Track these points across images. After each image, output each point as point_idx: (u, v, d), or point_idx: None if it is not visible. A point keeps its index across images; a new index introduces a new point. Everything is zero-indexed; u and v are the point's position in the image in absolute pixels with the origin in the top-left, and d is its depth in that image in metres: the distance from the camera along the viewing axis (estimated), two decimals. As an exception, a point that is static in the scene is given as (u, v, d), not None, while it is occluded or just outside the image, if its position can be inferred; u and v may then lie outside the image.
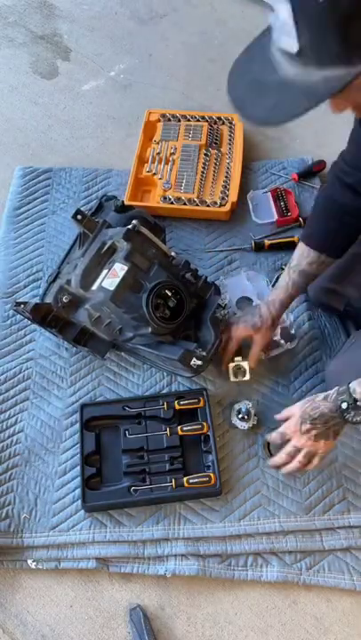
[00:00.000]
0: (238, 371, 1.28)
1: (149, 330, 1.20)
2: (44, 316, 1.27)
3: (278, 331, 1.34)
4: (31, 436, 1.27)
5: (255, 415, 1.25)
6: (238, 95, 0.72)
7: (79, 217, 1.28)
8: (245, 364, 1.27)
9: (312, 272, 1.19)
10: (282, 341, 1.34)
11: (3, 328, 1.42)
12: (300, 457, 1.06)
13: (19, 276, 1.51)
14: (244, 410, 1.24)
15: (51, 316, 1.27)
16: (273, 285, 1.46)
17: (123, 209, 1.38)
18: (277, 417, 1.13)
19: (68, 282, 1.26)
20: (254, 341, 1.26)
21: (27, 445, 1.26)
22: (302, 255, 1.18)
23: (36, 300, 1.41)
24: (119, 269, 1.20)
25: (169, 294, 1.22)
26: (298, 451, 1.06)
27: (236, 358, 1.28)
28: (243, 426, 1.24)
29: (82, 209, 1.30)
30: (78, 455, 1.21)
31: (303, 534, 1.15)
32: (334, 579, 1.11)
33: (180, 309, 1.23)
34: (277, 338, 1.34)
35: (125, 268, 1.19)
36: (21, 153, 1.82)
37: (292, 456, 1.08)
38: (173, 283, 1.23)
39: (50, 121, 1.91)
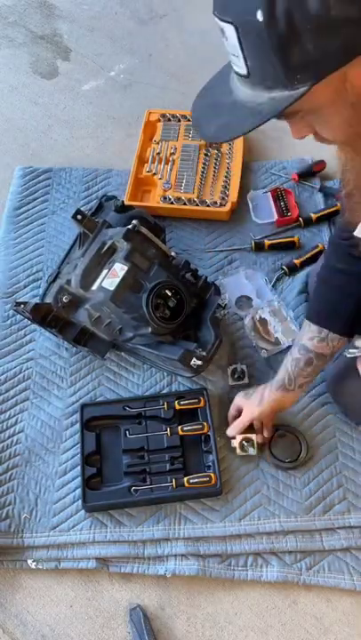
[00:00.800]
0: (247, 444, 1.20)
1: (149, 330, 1.20)
2: (43, 316, 1.27)
3: (280, 328, 1.33)
4: (31, 436, 1.27)
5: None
6: (197, 115, 0.77)
7: (79, 217, 1.28)
8: (255, 437, 1.19)
9: (314, 349, 1.08)
10: (283, 338, 1.34)
11: (3, 328, 1.42)
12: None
13: (19, 276, 1.51)
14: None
15: (51, 316, 1.27)
16: (273, 285, 1.46)
17: (123, 209, 1.38)
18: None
19: (68, 282, 1.26)
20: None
21: (27, 445, 1.26)
22: (303, 330, 1.11)
23: (36, 299, 1.41)
24: (119, 269, 1.20)
25: (169, 294, 1.22)
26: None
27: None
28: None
29: (82, 209, 1.30)
30: (79, 455, 1.21)
31: (303, 534, 1.15)
32: (334, 579, 1.11)
33: (180, 309, 1.24)
34: (278, 335, 1.34)
35: (125, 267, 1.19)
36: (21, 153, 1.82)
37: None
38: (173, 283, 1.23)
39: (50, 121, 1.91)
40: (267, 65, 0.61)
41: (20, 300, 1.32)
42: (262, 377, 1.29)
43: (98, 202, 1.49)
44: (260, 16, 0.57)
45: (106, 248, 1.24)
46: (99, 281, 1.22)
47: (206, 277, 1.33)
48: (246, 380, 1.28)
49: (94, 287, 1.22)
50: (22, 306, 1.25)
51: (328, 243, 1.12)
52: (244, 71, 0.65)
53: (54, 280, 1.38)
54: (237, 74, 0.67)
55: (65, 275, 1.35)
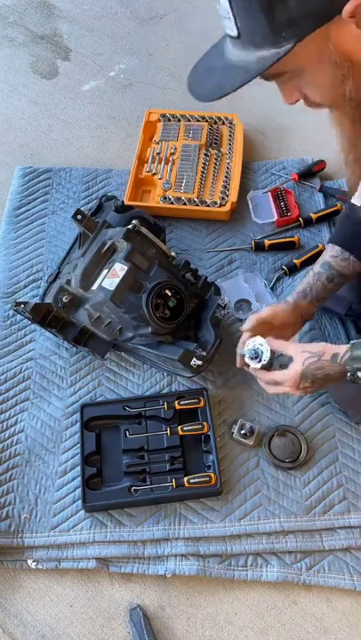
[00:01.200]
0: (252, 352, 1.05)
1: (149, 330, 1.20)
2: (44, 315, 1.27)
3: None
4: (31, 436, 1.27)
5: (257, 434, 1.24)
6: (192, 79, 0.81)
7: (79, 217, 1.28)
8: (265, 342, 1.04)
9: (336, 267, 1.11)
10: None
11: (3, 328, 1.42)
12: (275, 391, 1.03)
13: (19, 276, 1.51)
14: (248, 427, 1.23)
15: (51, 316, 1.27)
16: (271, 287, 1.46)
17: (123, 209, 1.38)
18: (275, 346, 1.04)
19: (68, 282, 1.26)
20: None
21: (27, 445, 1.26)
22: (326, 251, 1.14)
23: (36, 300, 1.41)
24: (119, 269, 1.20)
25: (169, 294, 1.22)
26: (280, 388, 1.02)
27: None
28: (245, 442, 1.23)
29: (82, 209, 1.30)
30: (79, 455, 1.21)
31: (303, 534, 1.15)
32: (334, 579, 1.11)
33: (180, 309, 1.24)
34: None
35: (125, 268, 1.19)
36: (21, 153, 1.82)
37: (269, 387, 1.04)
38: (173, 283, 1.23)
39: (50, 121, 1.91)
40: (255, 24, 0.67)
41: (20, 300, 1.32)
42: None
43: (98, 202, 1.49)
44: None
45: (106, 248, 1.24)
46: (99, 281, 1.22)
47: (206, 277, 1.33)
48: (250, 443, 1.23)
49: (94, 287, 1.22)
50: (22, 306, 1.26)
51: None
52: (234, 32, 0.70)
53: (54, 280, 1.38)
54: (229, 36, 0.72)
55: (65, 275, 1.35)
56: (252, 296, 1.44)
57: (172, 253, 1.31)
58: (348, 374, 0.91)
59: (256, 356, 1.04)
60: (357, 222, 1.10)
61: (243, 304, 1.43)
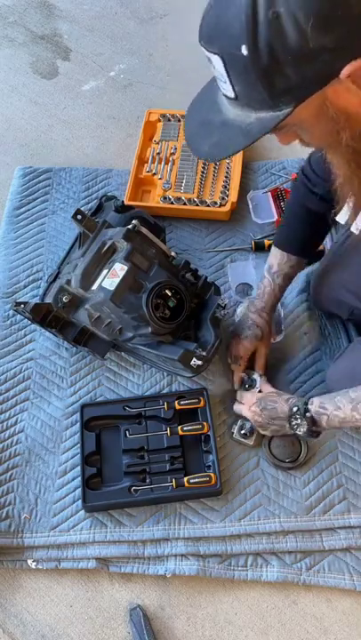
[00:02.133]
0: (249, 381, 1.27)
1: (149, 330, 1.20)
2: (44, 315, 1.27)
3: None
4: (31, 436, 1.27)
5: (257, 434, 1.24)
6: (190, 133, 0.82)
7: (79, 217, 1.28)
8: (256, 375, 1.27)
9: (293, 274, 1.27)
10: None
11: (3, 328, 1.42)
12: (237, 407, 1.25)
13: (19, 276, 1.51)
14: (248, 427, 1.23)
15: (51, 316, 1.27)
16: None
17: (123, 209, 1.38)
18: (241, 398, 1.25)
19: (68, 282, 1.26)
20: (259, 352, 1.29)
21: (27, 445, 1.26)
22: (282, 261, 1.24)
23: (36, 300, 1.41)
24: (119, 269, 1.20)
25: (169, 294, 1.22)
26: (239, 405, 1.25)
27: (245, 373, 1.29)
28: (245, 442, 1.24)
29: (82, 209, 1.30)
30: (79, 455, 1.21)
31: (303, 534, 1.15)
32: (334, 579, 1.11)
33: (180, 309, 1.23)
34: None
35: (125, 267, 1.19)
36: (21, 153, 1.82)
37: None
38: (173, 283, 1.23)
39: (50, 121, 1.91)
40: (253, 91, 0.67)
41: (20, 300, 1.32)
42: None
43: (98, 202, 1.49)
44: (244, 50, 0.63)
45: (106, 248, 1.24)
46: (99, 281, 1.22)
47: (206, 277, 1.33)
48: (250, 443, 1.27)
49: (94, 287, 1.22)
50: (22, 306, 1.26)
51: (298, 178, 1.19)
52: (231, 94, 0.71)
53: (54, 280, 1.38)
54: (225, 96, 0.72)
55: (65, 275, 1.35)
56: (255, 282, 1.44)
57: (172, 253, 1.31)
58: (288, 412, 1.09)
59: (251, 384, 1.26)
60: (306, 222, 1.20)
61: (244, 287, 1.44)
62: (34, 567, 1.13)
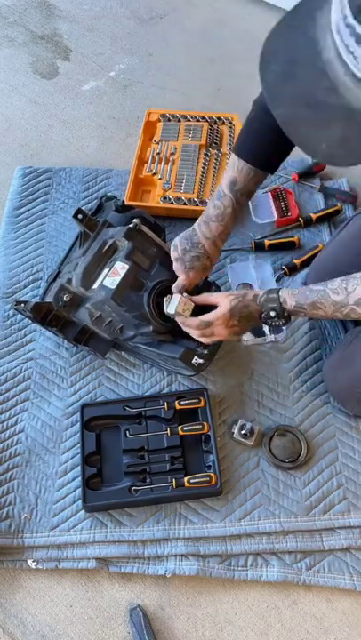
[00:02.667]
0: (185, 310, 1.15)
1: (150, 328, 1.20)
2: (44, 315, 1.27)
3: None
4: (31, 436, 1.27)
5: (257, 434, 1.24)
6: (285, 112, 0.59)
7: (80, 216, 1.28)
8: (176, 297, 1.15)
9: (254, 192, 1.12)
10: (267, 332, 1.33)
11: (3, 328, 1.42)
12: (206, 339, 1.12)
13: (19, 276, 1.51)
14: (248, 427, 1.23)
15: (51, 316, 1.27)
16: (276, 280, 1.46)
17: (123, 209, 1.38)
18: (197, 300, 1.14)
19: (69, 281, 1.27)
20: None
21: (27, 445, 1.26)
22: (249, 176, 1.06)
23: (37, 299, 1.41)
24: (120, 268, 1.20)
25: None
26: (210, 330, 1.09)
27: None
28: (245, 442, 1.24)
29: (82, 208, 1.30)
30: (79, 455, 1.21)
31: (303, 534, 1.15)
32: (334, 579, 1.11)
33: None
34: (266, 328, 1.32)
35: (126, 266, 1.19)
36: (21, 153, 1.82)
37: (201, 333, 1.10)
38: (175, 281, 1.23)
39: (50, 121, 1.91)
40: None
41: (21, 300, 1.32)
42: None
43: (98, 202, 1.49)
44: None
45: (107, 247, 1.24)
46: (100, 280, 1.22)
47: (207, 277, 1.33)
48: (250, 443, 1.25)
49: (95, 286, 1.22)
50: (23, 305, 1.26)
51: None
52: None
53: (54, 279, 1.38)
54: (354, 75, 0.50)
55: (65, 274, 1.35)
56: (257, 282, 1.44)
57: None
58: (263, 314, 1.04)
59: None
60: (270, 129, 0.95)
61: (245, 287, 1.44)
62: (34, 567, 1.13)
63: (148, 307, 1.19)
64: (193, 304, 1.14)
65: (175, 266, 1.18)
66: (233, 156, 1.07)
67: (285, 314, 1.02)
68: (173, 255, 1.17)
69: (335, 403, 1.28)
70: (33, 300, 1.35)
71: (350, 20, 0.48)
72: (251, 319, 1.07)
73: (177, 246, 1.16)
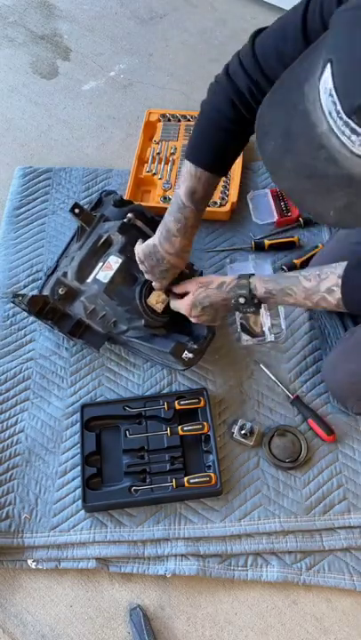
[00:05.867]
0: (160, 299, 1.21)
1: (142, 323, 1.21)
2: (40, 307, 1.27)
3: (268, 320, 1.33)
4: (31, 436, 1.27)
5: (257, 434, 1.24)
6: (291, 186, 0.61)
7: (77, 210, 1.29)
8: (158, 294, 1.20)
9: (210, 198, 1.07)
10: (267, 332, 1.33)
11: (3, 328, 1.42)
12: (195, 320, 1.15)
13: (19, 275, 1.51)
14: (248, 427, 1.23)
15: (47, 308, 1.28)
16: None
17: (121, 203, 1.39)
18: (175, 290, 1.18)
19: (65, 274, 1.27)
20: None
21: (27, 445, 1.26)
22: (209, 184, 1.03)
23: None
24: (113, 262, 1.21)
25: None
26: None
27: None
28: (245, 442, 1.24)
29: (79, 203, 1.31)
30: (79, 455, 1.21)
31: (303, 534, 1.15)
32: (334, 579, 1.11)
33: None
34: (265, 328, 1.32)
35: (120, 260, 1.20)
36: (21, 153, 1.82)
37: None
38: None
39: (50, 121, 1.91)
40: None
41: (18, 293, 1.33)
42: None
43: (98, 196, 1.50)
44: None
45: (102, 241, 1.25)
46: (94, 273, 1.23)
47: (202, 272, 1.33)
48: (250, 443, 1.25)
49: (89, 280, 1.24)
50: (20, 298, 1.26)
51: (220, 78, 0.96)
52: None
53: (52, 273, 1.39)
54: (353, 152, 0.51)
55: (62, 268, 1.36)
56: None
57: None
58: (233, 301, 1.03)
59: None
60: (222, 129, 0.98)
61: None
62: (34, 567, 1.13)
63: (139, 300, 1.19)
64: (165, 296, 1.20)
65: (146, 276, 1.17)
66: (187, 163, 1.01)
67: (255, 300, 1.02)
68: (141, 268, 1.16)
69: (335, 403, 1.28)
70: (30, 293, 1.36)
71: (343, 116, 0.49)
72: (215, 308, 1.08)
73: (143, 262, 1.14)
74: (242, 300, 1.02)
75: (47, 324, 1.33)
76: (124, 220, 1.24)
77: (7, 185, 1.71)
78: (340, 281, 0.92)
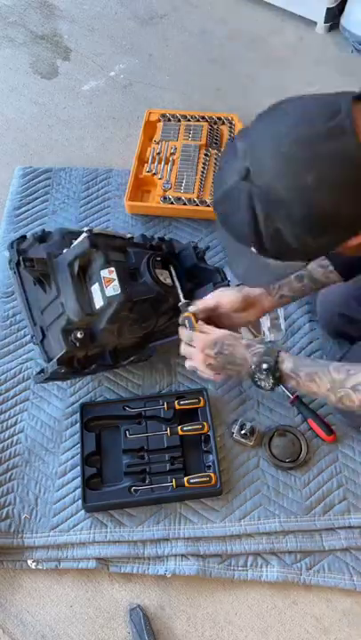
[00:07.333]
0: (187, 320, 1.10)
1: (171, 303, 1.21)
2: (70, 364, 1.17)
3: (267, 320, 1.32)
4: (31, 437, 1.27)
5: (257, 434, 1.24)
6: (246, 275, 0.89)
7: (28, 264, 1.18)
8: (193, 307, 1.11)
9: (310, 270, 1.08)
10: (267, 332, 1.32)
11: (3, 328, 1.42)
12: (187, 361, 1.08)
13: (19, 276, 1.51)
14: (248, 427, 1.23)
15: (76, 361, 1.18)
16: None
17: (43, 237, 1.29)
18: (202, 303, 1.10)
19: (69, 321, 1.17)
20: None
21: (27, 446, 1.26)
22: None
23: (39, 369, 1.29)
24: (109, 274, 1.16)
25: (160, 263, 1.26)
26: (189, 350, 1.06)
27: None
28: (245, 442, 1.24)
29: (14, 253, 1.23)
30: (79, 455, 1.21)
31: (303, 534, 1.15)
32: (334, 579, 1.11)
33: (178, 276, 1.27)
34: (265, 329, 1.32)
35: (112, 269, 1.16)
36: (21, 153, 1.82)
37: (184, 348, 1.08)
38: (157, 253, 1.26)
39: (50, 121, 1.91)
40: (269, 257, 0.80)
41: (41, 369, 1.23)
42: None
43: (13, 253, 1.27)
44: (253, 249, 0.78)
45: (77, 268, 1.17)
46: (98, 297, 1.16)
47: (171, 240, 1.36)
48: (250, 443, 1.24)
49: (98, 305, 1.15)
50: (48, 373, 1.17)
51: None
52: (269, 260, 0.81)
53: (43, 338, 1.23)
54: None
55: (53, 324, 1.21)
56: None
57: (128, 234, 1.30)
58: (253, 366, 0.98)
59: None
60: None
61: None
62: (34, 567, 1.13)
63: (156, 284, 1.20)
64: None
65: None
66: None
67: (277, 374, 0.96)
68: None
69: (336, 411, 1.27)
70: (37, 368, 1.30)
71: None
72: (229, 360, 1.01)
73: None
74: (265, 366, 0.96)
75: (94, 373, 1.25)
76: (85, 235, 1.16)
77: (7, 185, 1.71)
78: None
